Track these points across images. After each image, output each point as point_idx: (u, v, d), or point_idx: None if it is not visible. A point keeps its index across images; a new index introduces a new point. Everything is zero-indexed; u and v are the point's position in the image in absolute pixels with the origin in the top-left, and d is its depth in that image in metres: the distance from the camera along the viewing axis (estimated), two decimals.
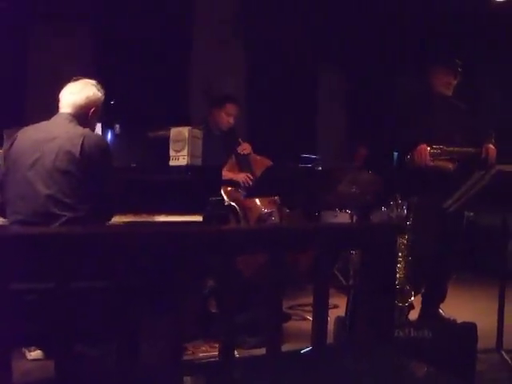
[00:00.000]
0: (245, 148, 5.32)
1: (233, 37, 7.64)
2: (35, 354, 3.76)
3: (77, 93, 3.41)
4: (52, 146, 3.21)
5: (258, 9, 7.43)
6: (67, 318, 2.23)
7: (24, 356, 3.79)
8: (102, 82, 3.57)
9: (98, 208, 3.28)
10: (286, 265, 2.69)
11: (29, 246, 2.12)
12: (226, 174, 5.04)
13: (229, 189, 5.02)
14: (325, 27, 7.87)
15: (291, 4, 7.61)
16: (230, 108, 5.25)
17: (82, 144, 3.21)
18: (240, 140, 5.35)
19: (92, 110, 3.43)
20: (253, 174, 5.15)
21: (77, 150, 3.19)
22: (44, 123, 3.45)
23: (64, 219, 3.13)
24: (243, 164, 5.27)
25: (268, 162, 5.25)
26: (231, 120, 5.26)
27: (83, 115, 3.41)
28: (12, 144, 3.32)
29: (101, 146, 3.32)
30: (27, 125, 3.46)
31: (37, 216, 3.14)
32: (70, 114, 3.37)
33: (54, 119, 3.41)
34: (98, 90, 3.48)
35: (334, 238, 2.50)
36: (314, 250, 2.43)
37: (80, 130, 3.32)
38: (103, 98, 3.52)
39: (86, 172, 3.21)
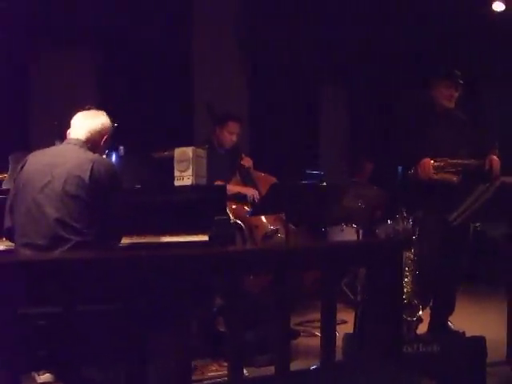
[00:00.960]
0: (247, 161, 5.31)
1: (235, 56, 7.68)
2: (44, 377, 3.75)
3: (91, 119, 3.48)
4: (62, 171, 3.24)
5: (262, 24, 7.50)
6: (75, 342, 2.24)
7: (34, 380, 3.78)
8: (106, 105, 3.61)
9: (105, 231, 3.31)
10: (293, 283, 2.70)
11: (35, 271, 2.13)
12: (234, 187, 5.04)
13: (234, 207, 5.02)
14: (327, 41, 7.90)
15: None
16: (233, 126, 5.24)
17: (92, 169, 3.25)
18: (243, 155, 5.35)
19: (105, 137, 3.51)
20: (257, 191, 5.15)
21: (86, 175, 3.23)
22: (54, 148, 3.50)
23: (72, 243, 3.15)
24: (247, 181, 5.27)
25: (272, 179, 5.24)
26: (234, 138, 5.26)
27: (96, 141, 3.47)
28: (22, 167, 3.36)
29: (110, 172, 3.35)
30: (31, 149, 3.50)
31: (45, 239, 3.16)
32: (80, 140, 3.42)
33: (64, 145, 3.46)
34: (108, 119, 3.55)
35: (340, 257, 2.50)
36: (321, 270, 2.44)
37: (90, 155, 3.37)
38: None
39: (95, 197, 3.24)
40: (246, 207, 5.13)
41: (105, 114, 3.55)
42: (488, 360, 3.49)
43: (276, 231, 5.16)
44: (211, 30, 7.52)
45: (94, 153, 3.41)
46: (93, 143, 3.44)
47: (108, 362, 3.08)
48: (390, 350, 2.65)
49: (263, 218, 5.17)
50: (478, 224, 6.56)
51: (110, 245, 3.40)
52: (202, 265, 2.24)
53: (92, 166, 3.25)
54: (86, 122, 3.46)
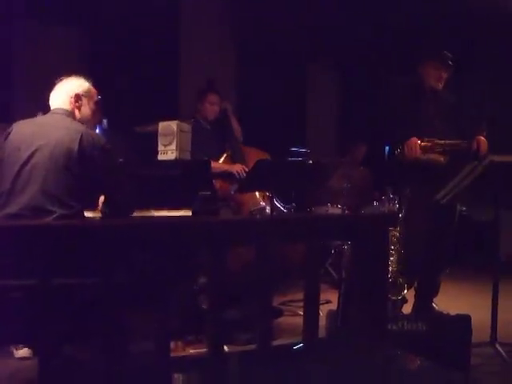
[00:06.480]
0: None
1: (223, 33, 7.60)
2: (22, 352, 3.69)
3: (69, 83, 3.44)
4: (49, 141, 3.18)
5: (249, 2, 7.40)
6: (52, 316, 2.18)
7: (11, 354, 3.71)
8: (90, 76, 3.54)
9: (115, 205, 3.36)
10: (276, 256, 2.65)
11: (12, 240, 2.07)
12: (221, 165, 5.03)
13: (220, 185, 4.96)
14: (316, 21, 7.81)
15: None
16: (212, 97, 5.32)
17: (81, 140, 3.18)
18: (233, 124, 5.34)
19: (89, 100, 3.48)
20: (248, 167, 5.08)
21: (75, 146, 3.17)
22: (40, 117, 3.45)
23: (55, 215, 3.08)
24: (237, 155, 5.25)
25: (263, 154, 5.24)
26: (216, 108, 5.32)
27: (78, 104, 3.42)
28: (7, 137, 3.29)
29: (100, 143, 3.29)
30: (15, 120, 3.42)
31: (28, 210, 3.09)
32: (65, 109, 3.37)
33: (51, 114, 3.39)
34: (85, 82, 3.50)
35: (325, 228, 2.45)
36: (305, 241, 2.38)
37: (78, 125, 3.31)
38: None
39: (84, 168, 3.18)
40: (231, 185, 5.08)
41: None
42: (473, 340, 3.47)
43: (263, 209, 5.11)
44: (199, 6, 7.43)
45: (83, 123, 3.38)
46: (75, 106, 3.40)
47: (86, 338, 3.03)
48: (375, 327, 2.60)
49: (249, 196, 5.11)
50: (464, 208, 6.55)
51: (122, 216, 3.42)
52: (183, 234, 2.18)
53: (81, 137, 3.19)
54: (64, 87, 3.41)
